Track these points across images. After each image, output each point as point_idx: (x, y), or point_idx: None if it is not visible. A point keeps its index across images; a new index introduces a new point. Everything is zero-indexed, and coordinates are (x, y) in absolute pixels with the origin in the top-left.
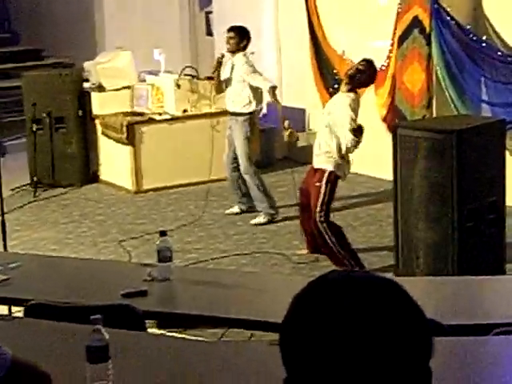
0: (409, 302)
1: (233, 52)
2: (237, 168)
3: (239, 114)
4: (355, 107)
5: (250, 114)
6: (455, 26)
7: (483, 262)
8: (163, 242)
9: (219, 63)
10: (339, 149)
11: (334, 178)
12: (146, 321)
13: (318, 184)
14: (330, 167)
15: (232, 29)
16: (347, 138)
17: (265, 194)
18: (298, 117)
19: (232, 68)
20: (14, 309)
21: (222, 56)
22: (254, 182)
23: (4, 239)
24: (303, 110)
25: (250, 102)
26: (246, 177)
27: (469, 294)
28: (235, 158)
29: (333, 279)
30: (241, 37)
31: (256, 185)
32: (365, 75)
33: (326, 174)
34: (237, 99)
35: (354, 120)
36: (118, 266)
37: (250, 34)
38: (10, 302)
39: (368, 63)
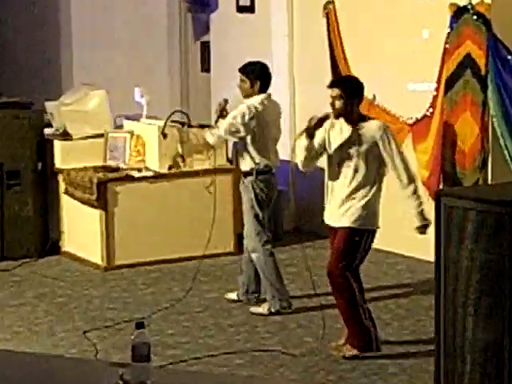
0: None
1: (246, 97)
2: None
3: (245, 174)
4: None
5: (257, 172)
6: None
7: None
8: (139, 336)
9: (222, 111)
10: None
11: None
12: None
13: None
14: None
15: (242, 69)
16: None
17: (275, 280)
18: (316, 176)
19: None
20: None
21: (226, 102)
22: (263, 264)
23: None
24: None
25: (252, 156)
26: (253, 255)
27: None
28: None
29: None
30: (253, 79)
31: (265, 267)
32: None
33: None
34: (243, 155)
35: None
36: (82, 365)
37: (266, 71)
38: None
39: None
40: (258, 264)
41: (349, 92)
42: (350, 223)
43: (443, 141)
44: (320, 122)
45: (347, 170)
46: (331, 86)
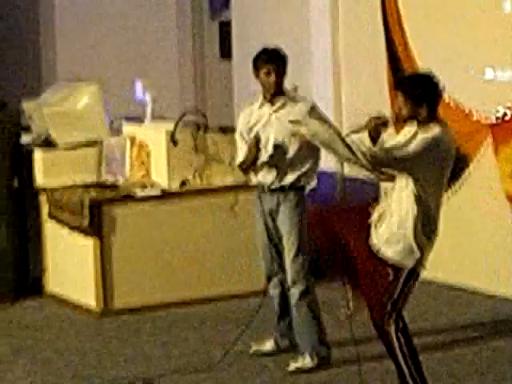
0: None
1: (273, 99)
2: (280, 280)
3: (289, 189)
4: None
5: (303, 188)
6: None
7: None
8: None
9: (256, 149)
10: None
11: None
12: None
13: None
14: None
15: (273, 56)
16: None
17: (317, 324)
18: (367, 190)
19: (267, 125)
20: None
21: (258, 140)
22: (305, 302)
23: None
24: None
25: (311, 169)
26: (296, 293)
27: None
28: (279, 263)
29: None
30: (285, 69)
31: (309, 308)
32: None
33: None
34: (288, 167)
35: None
36: None
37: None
38: None
39: None
40: (302, 301)
41: (415, 97)
42: (394, 255)
43: None
44: (377, 129)
45: (401, 187)
46: (394, 87)
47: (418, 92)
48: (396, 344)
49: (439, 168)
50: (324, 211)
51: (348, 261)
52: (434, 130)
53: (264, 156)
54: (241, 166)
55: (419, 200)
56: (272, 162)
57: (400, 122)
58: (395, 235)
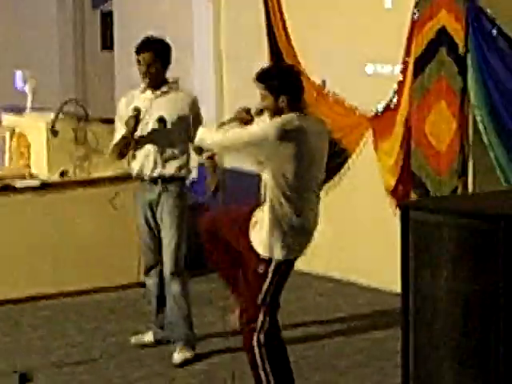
0: None
1: (154, 86)
2: (158, 272)
3: (171, 180)
4: None
5: (184, 179)
6: (506, 44)
7: None
8: None
9: (135, 121)
10: None
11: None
12: None
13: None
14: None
15: (147, 46)
16: None
17: (189, 313)
18: (249, 185)
19: (149, 109)
20: None
21: (138, 111)
22: (183, 293)
23: None
24: (257, 177)
25: (187, 155)
26: (175, 284)
27: None
28: (158, 255)
29: None
30: (164, 57)
31: (184, 297)
32: None
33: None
34: (168, 155)
35: None
36: None
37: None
38: None
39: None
40: (180, 293)
41: (276, 89)
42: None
43: (413, 139)
44: (246, 119)
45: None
46: (255, 79)
47: (276, 84)
48: (257, 355)
49: (295, 161)
50: (215, 220)
51: (236, 270)
52: (284, 118)
53: (145, 130)
54: (116, 146)
55: (273, 196)
56: (152, 139)
57: (266, 113)
58: (261, 231)
